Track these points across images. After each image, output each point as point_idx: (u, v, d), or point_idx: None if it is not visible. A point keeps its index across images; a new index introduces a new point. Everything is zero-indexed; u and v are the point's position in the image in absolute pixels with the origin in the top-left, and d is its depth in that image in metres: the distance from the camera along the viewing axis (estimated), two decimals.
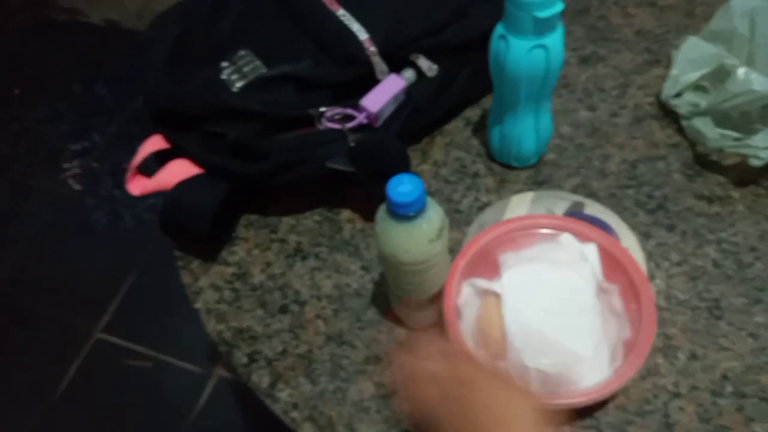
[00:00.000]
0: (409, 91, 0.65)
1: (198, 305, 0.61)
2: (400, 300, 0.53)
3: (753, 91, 0.60)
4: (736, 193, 0.62)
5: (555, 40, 0.53)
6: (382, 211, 0.47)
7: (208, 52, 0.65)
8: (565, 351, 0.49)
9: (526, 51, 0.53)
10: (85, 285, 1.38)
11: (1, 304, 1.38)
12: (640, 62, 0.72)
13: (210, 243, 0.63)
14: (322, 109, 0.63)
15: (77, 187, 1.56)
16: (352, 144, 0.61)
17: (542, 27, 0.52)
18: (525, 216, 0.57)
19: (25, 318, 1.35)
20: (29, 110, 1.73)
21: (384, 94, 0.63)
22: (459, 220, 0.63)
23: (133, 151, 0.64)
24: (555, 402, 0.48)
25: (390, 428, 0.52)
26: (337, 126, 0.63)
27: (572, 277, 0.52)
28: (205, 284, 0.62)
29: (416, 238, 0.46)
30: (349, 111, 0.63)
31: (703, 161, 0.64)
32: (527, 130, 0.61)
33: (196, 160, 0.62)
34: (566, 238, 0.54)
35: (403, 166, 0.61)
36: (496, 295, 0.53)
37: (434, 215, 0.46)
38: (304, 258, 0.62)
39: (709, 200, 0.61)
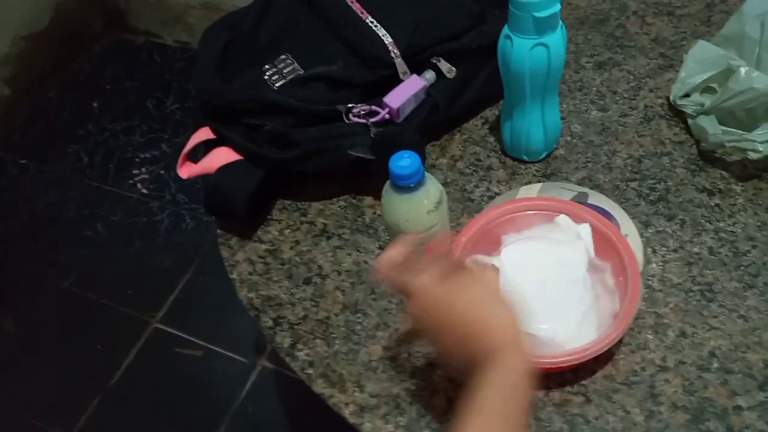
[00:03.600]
0: (429, 90, 0.71)
1: (233, 276, 0.68)
2: None
3: (754, 89, 0.63)
4: (737, 187, 0.64)
5: (555, 38, 0.59)
6: (387, 185, 0.53)
7: (252, 55, 0.74)
8: (554, 317, 0.53)
9: (529, 49, 0.59)
10: (146, 280, 1.50)
11: (73, 295, 1.52)
12: (654, 67, 0.76)
13: (247, 223, 0.71)
14: (350, 105, 0.70)
15: (145, 191, 1.70)
16: (374, 135, 0.68)
17: (542, 26, 0.57)
18: (523, 198, 0.62)
19: (93, 308, 1.48)
20: (106, 123, 1.90)
21: (405, 92, 0.70)
22: (471, 208, 0.68)
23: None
24: (542, 361, 0.52)
25: (394, 386, 0.57)
26: (362, 121, 0.70)
27: (565, 253, 0.56)
28: (241, 258, 0.70)
29: (416, 208, 0.52)
30: (374, 107, 0.70)
31: (707, 157, 0.67)
32: (535, 124, 0.66)
33: (237, 148, 0.70)
34: (562, 218, 0.59)
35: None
36: (495, 269, 0.58)
37: (432, 189, 0.52)
38: (328, 238, 0.69)
39: (711, 193, 0.64)
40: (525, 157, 0.70)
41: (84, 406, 1.32)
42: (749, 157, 0.62)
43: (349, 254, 0.67)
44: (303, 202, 0.73)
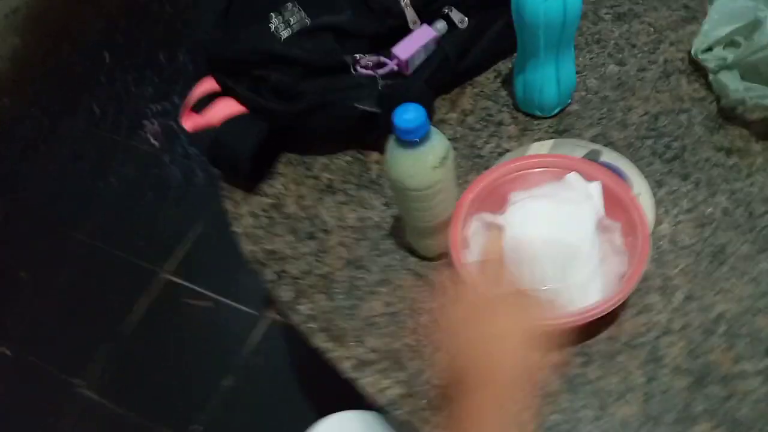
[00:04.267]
0: (440, 42, 0.69)
1: (237, 229, 0.68)
2: (411, 227, 0.58)
3: None
4: (757, 146, 0.62)
5: None
6: (391, 140, 0.51)
7: (257, 7, 0.72)
8: (559, 278, 0.52)
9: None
10: (158, 232, 1.51)
11: (87, 246, 1.54)
12: (677, 19, 0.73)
13: (251, 176, 0.70)
14: (357, 56, 0.68)
15: (156, 144, 1.69)
16: (381, 88, 0.66)
17: None
18: (533, 155, 0.60)
19: (104, 259, 1.50)
20: (118, 75, 1.88)
21: (415, 42, 0.68)
22: (480, 164, 0.67)
23: None
24: (545, 322, 0.51)
25: (394, 341, 0.57)
26: (369, 73, 0.68)
27: (573, 212, 0.55)
28: (245, 211, 0.69)
29: (420, 163, 0.50)
30: (382, 58, 0.68)
31: (727, 115, 0.64)
32: (549, 78, 0.64)
33: (241, 100, 0.68)
34: (572, 176, 0.57)
35: (425, 108, 0.65)
36: (501, 227, 0.56)
37: (438, 144, 0.50)
38: (333, 193, 0.68)
39: (728, 152, 0.62)
40: (538, 113, 0.68)
41: (97, 354, 1.35)
42: None
43: (353, 210, 0.66)
44: (308, 156, 0.72)
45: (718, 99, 0.65)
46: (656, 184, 0.61)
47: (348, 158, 0.71)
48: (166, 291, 1.41)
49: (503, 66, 0.74)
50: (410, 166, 0.50)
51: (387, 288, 0.60)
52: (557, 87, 0.65)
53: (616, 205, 0.55)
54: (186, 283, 1.41)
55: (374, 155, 0.70)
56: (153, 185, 1.62)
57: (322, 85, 0.66)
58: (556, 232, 0.54)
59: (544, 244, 0.54)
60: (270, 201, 0.69)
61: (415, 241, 0.60)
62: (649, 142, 0.64)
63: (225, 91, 0.70)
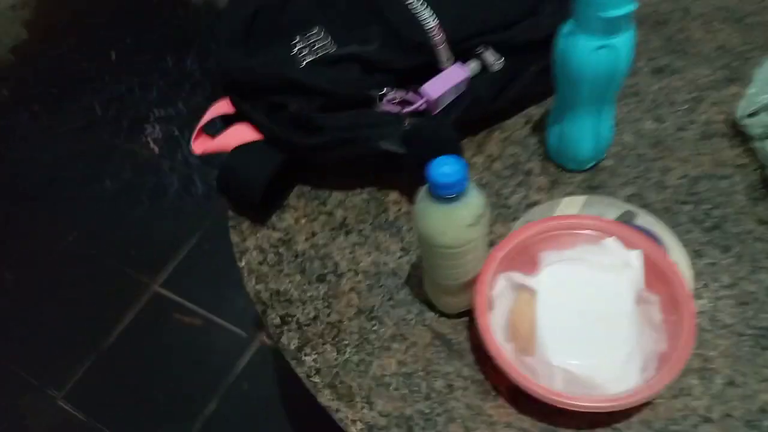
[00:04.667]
0: (470, 82, 0.65)
1: (242, 264, 0.63)
2: (434, 283, 0.54)
3: None
4: None
5: (624, 41, 0.52)
6: (423, 192, 0.47)
7: (283, 26, 0.68)
8: (595, 354, 0.48)
9: (592, 50, 0.52)
10: (151, 242, 1.46)
11: (75, 252, 1.48)
12: (718, 78, 0.69)
13: (261, 207, 0.66)
14: (384, 90, 0.64)
15: (156, 150, 1.65)
16: (407, 127, 0.62)
17: (611, 26, 0.51)
18: (570, 215, 0.56)
19: (93, 266, 1.45)
20: (123, 78, 1.84)
21: (446, 82, 0.64)
22: (506, 215, 0.63)
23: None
24: (580, 404, 0.47)
25: (407, 407, 0.52)
26: (395, 109, 0.64)
27: (612, 282, 0.51)
28: (252, 245, 0.64)
29: (454, 221, 0.46)
30: (410, 95, 0.64)
31: None
32: (586, 132, 0.60)
33: (257, 126, 0.64)
34: (611, 242, 0.53)
35: (453, 153, 0.61)
36: (531, 291, 0.52)
37: (475, 200, 0.46)
38: (347, 232, 0.64)
39: None
40: (570, 166, 0.64)
41: (77, 366, 1.29)
42: None
43: (368, 253, 0.62)
44: (322, 190, 0.68)
45: (762, 168, 0.62)
46: (695, 255, 0.57)
47: (365, 195, 0.67)
48: (155, 304, 1.36)
49: (535, 111, 0.70)
50: (443, 223, 0.46)
51: (401, 344, 0.56)
52: (594, 141, 0.61)
53: (655, 276, 0.52)
54: (176, 298, 1.36)
55: (393, 195, 0.66)
56: (149, 192, 1.57)
57: (345, 119, 0.62)
58: (593, 303, 0.50)
59: (581, 314, 0.50)
60: (279, 235, 0.65)
61: (435, 296, 0.56)
62: (688, 207, 0.60)
63: (240, 116, 0.66)
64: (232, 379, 1.24)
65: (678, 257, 0.57)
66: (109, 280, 1.42)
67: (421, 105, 0.64)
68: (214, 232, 1.47)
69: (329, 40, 0.66)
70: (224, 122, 0.66)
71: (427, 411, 0.52)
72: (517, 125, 0.70)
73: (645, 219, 0.59)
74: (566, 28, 0.54)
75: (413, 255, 0.61)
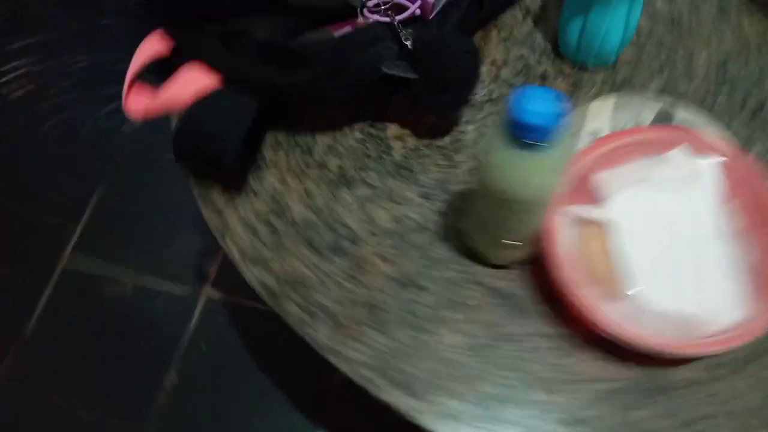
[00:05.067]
0: None
1: (230, 247, 0.50)
2: (492, 238, 0.45)
3: None
4: None
5: None
6: (494, 137, 0.37)
7: None
8: (692, 286, 0.42)
9: None
10: (44, 208, 1.23)
11: None
12: None
13: (234, 171, 0.52)
14: None
15: (21, 93, 1.35)
16: (407, 42, 0.49)
17: None
18: (629, 131, 0.48)
19: None
20: None
21: None
22: None
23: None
24: (692, 351, 0.41)
25: (484, 384, 0.45)
26: (383, 19, 0.51)
27: (689, 199, 0.45)
28: (234, 222, 0.51)
29: (543, 170, 0.36)
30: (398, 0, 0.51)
31: None
32: (617, 22, 0.51)
33: (214, 66, 0.49)
34: (677, 153, 0.46)
35: (472, 71, 0.50)
36: (598, 225, 0.45)
37: (567, 142, 0.37)
38: (349, 185, 0.52)
39: None
40: (591, 62, 0.55)
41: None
42: None
43: (382, 207, 0.51)
44: (303, 136, 0.55)
45: None
46: (745, 143, 0.52)
47: (358, 134, 0.54)
48: (69, 280, 1.16)
49: (531, 1, 0.60)
50: (528, 174, 0.36)
51: (455, 311, 0.47)
52: (624, 30, 0.52)
53: (732, 179, 0.46)
54: (94, 269, 1.17)
55: (392, 128, 0.54)
56: (25, 144, 1.31)
57: (331, 43, 0.48)
58: (675, 228, 0.43)
59: (664, 244, 0.43)
60: (266, 204, 0.52)
61: (488, 249, 0.47)
62: (723, 95, 0.54)
63: (184, 54, 0.50)
64: (186, 341, 1.11)
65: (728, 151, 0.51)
66: (8, 265, 1.19)
67: (414, 10, 0.51)
68: (117, 183, 1.25)
69: None
70: (163, 68, 0.50)
71: (510, 382, 0.45)
72: (515, 20, 0.59)
73: (685, 113, 0.53)
74: None
75: (438, 202, 0.51)
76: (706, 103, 0.54)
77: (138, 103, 0.49)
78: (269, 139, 0.54)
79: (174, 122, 0.52)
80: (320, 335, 0.47)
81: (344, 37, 0.49)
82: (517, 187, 0.37)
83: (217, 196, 0.52)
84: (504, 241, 0.43)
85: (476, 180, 0.41)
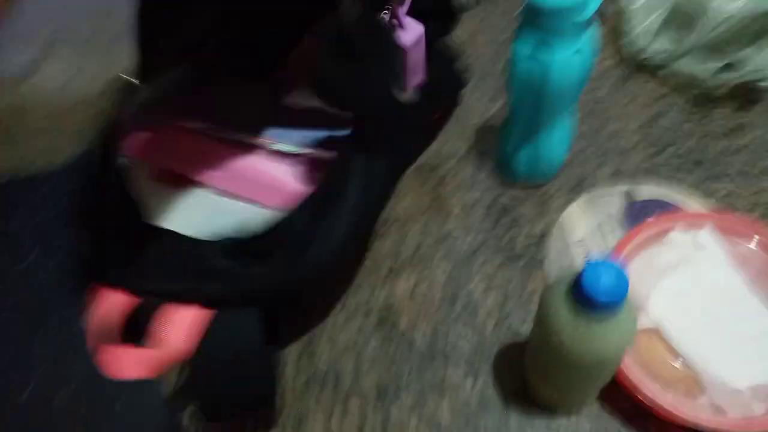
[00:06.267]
0: None
1: None
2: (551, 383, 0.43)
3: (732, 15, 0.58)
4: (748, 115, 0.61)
5: (588, 35, 0.46)
6: (567, 309, 0.35)
7: None
8: (744, 359, 0.44)
9: (570, 57, 0.45)
10: None
11: None
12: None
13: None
14: None
15: None
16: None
17: (582, 28, 0.45)
18: (628, 235, 0.50)
19: None
20: None
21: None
22: (518, 264, 0.54)
23: None
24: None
25: None
26: None
27: (709, 274, 0.47)
28: None
29: (621, 332, 0.36)
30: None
31: (704, 100, 0.62)
32: (564, 137, 0.54)
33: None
34: (676, 234, 0.49)
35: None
36: (654, 331, 0.46)
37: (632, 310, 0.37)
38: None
39: (729, 132, 0.60)
40: (542, 179, 0.58)
41: None
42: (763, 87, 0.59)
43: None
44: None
45: (689, 87, 0.63)
46: (704, 196, 0.56)
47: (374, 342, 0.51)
48: None
49: (455, 148, 0.62)
50: (608, 339, 0.36)
51: None
52: (568, 143, 0.56)
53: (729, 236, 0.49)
54: None
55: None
56: None
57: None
58: (716, 308, 0.46)
59: (714, 327, 0.45)
60: None
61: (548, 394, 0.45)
62: (661, 158, 0.59)
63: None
64: None
65: (696, 207, 0.55)
66: None
67: None
68: None
69: None
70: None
71: None
72: (457, 168, 0.60)
73: (647, 190, 0.56)
74: (521, 52, 0.46)
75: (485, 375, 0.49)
76: (653, 174, 0.58)
77: (122, 364, 0.40)
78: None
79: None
80: None
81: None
82: (613, 352, 0.37)
83: None
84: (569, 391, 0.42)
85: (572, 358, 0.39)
